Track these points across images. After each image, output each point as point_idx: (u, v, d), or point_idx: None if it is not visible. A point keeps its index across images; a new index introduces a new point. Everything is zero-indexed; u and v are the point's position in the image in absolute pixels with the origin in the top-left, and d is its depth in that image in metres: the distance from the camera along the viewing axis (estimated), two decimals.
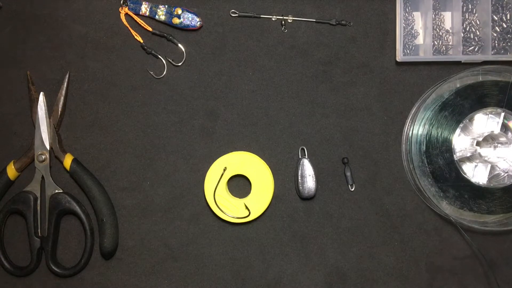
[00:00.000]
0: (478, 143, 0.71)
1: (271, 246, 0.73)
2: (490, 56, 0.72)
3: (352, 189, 0.73)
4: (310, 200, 0.73)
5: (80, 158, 0.72)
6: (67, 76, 0.73)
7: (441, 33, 0.73)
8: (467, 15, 0.73)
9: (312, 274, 0.72)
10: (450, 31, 0.73)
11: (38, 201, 0.71)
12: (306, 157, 0.72)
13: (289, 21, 0.73)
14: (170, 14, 0.73)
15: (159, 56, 0.73)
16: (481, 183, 0.71)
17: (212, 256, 0.73)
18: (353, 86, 0.73)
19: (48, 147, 0.71)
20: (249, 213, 0.71)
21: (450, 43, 0.74)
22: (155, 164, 0.73)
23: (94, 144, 0.73)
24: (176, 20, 0.73)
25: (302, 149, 0.73)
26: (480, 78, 0.72)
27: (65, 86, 0.73)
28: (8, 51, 0.74)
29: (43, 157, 0.71)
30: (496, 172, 0.72)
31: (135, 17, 0.73)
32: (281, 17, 0.73)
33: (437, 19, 0.73)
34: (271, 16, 0.74)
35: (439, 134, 0.71)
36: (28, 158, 0.72)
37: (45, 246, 0.71)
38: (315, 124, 0.73)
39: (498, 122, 0.71)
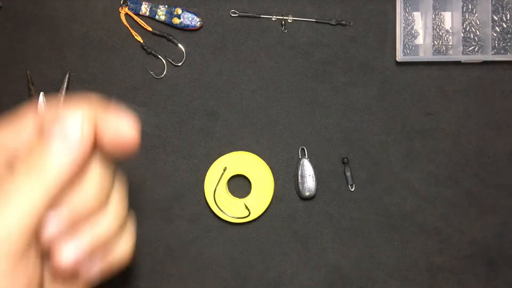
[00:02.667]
0: None
1: (271, 246, 0.73)
2: (490, 56, 0.72)
3: (352, 189, 0.73)
4: (310, 200, 0.73)
5: None
6: (67, 76, 0.73)
7: (441, 33, 0.73)
8: (467, 15, 0.73)
9: (312, 274, 0.72)
10: (450, 31, 0.73)
11: None
12: (306, 157, 0.72)
13: (289, 21, 0.73)
14: (170, 14, 0.73)
15: (159, 56, 0.73)
16: None
17: (212, 256, 0.73)
18: (353, 86, 0.73)
19: None
20: (249, 213, 0.71)
21: (450, 43, 0.73)
22: (155, 164, 0.73)
23: None
24: (176, 20, 0.73)
25: (302, 149, 0.73)
26: None
27: (65, 86, 0.73)
28: (8, 51, 0.74)
29: None
30: None
31: (135, 17, 0.73)
32: (281, 17, 0.73)
33: (437, 19, 0.73)
34: (271, 16, 0.74)
35: None
36: None
37: None
38: (315, 124, 0.73)
39: None
